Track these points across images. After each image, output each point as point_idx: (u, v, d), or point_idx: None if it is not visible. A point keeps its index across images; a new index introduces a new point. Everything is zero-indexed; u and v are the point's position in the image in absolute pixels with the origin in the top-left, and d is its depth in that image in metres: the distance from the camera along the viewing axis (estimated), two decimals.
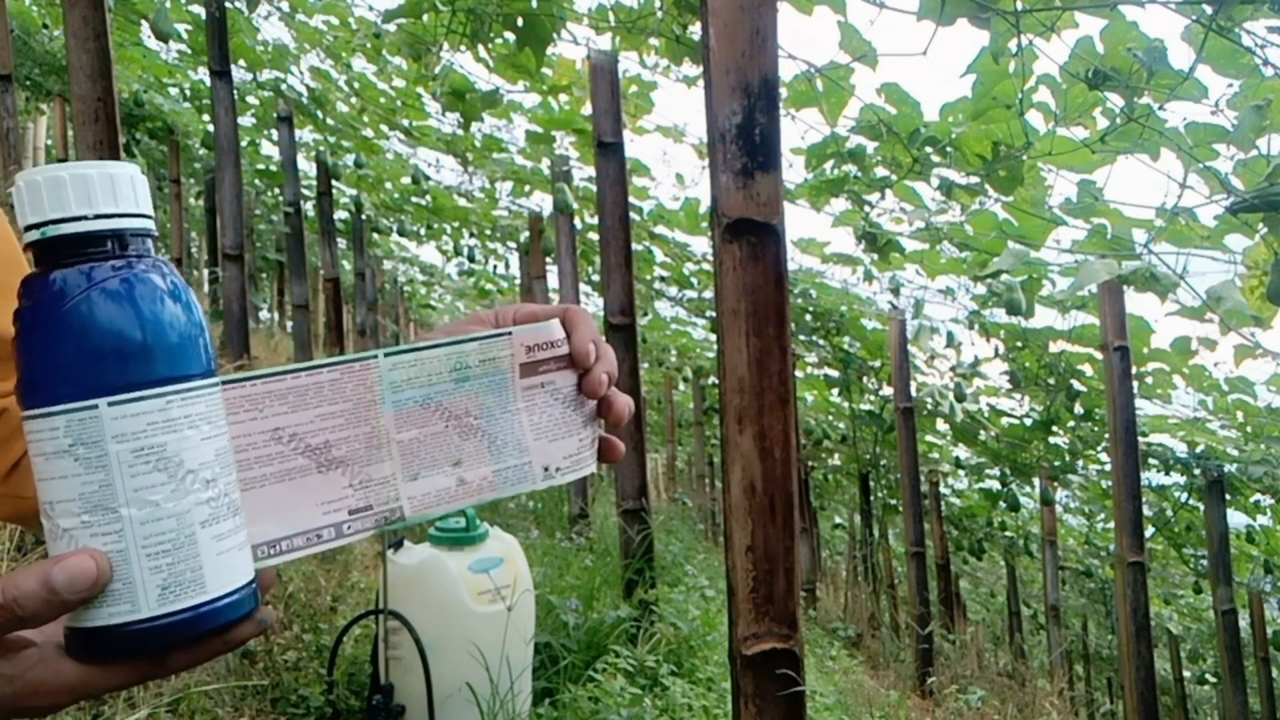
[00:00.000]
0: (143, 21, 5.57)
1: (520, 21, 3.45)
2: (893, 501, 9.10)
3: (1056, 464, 7.35)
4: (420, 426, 0.61)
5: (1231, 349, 4.34)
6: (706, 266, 6.70)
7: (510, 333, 0.64)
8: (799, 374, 8.43)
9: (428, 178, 6.62)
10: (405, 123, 5.79)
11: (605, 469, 5.07)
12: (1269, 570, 7.24)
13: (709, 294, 7.48)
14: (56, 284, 0.48)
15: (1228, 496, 5.63)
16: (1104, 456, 6.84)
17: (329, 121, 6.20)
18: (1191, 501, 6.45)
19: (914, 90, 3.51)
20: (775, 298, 1.57)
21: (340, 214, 7.15)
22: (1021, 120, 3.30)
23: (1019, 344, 5.73)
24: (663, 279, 7.90)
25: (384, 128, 6.12)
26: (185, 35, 5.48)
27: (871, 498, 8.98)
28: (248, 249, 6.27)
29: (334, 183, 6.30)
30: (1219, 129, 2.92)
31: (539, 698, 2.75)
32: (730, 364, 1.58)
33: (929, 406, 7.04)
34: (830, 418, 9.36)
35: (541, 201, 6.66)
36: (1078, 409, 6.11)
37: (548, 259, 6.05)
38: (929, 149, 3.68)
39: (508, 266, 9.62)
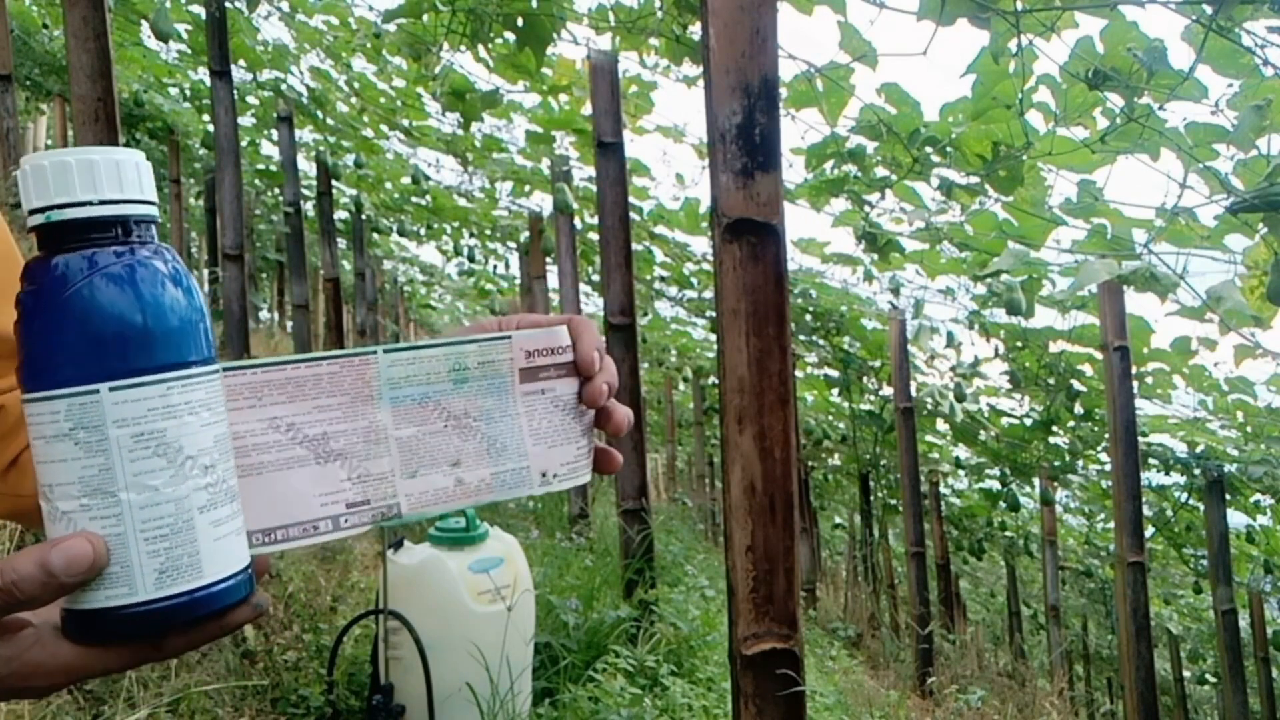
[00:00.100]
0: (143, 21, 5.57)
1: (520, 21, 3.45)
2: (893, 501, 9.10)
3: (1056, 464, 7.35)
4: (418, 424, 0.61)
5: (1231, 349, 4.34)
6: (706, 266, 6.70)
7: (510, 337, 0.64)
8: (799, 374, 8.43)
9: (428, 178, 6.62)
10: (405, 123, 5.79)
11: None
12: (1269, 570, 7.24)
13: (709, 294, 7.48)
14: (59, 269, 0.48)
15: (1228, 496, 5.63)
16: (1104, 456, 6.84)
17: (329, 121, 6.20)
18: (1191, 501, 6.45)
19: (914, 90, 3.51)
20: (775, 298, 1.57)
21: (340, 214, 7.15)
22: (1021, 120, 3.30)
23: (1019, 344, 5.73)
24: (663, 279, 7.90)
25: (384, 128, 6.12)
26: (185, 35, 5.48)
27: (871, 498, 8.98)
28: (248, 249, 6.27)
29: (334, 183, 6.30)
30: (1219, 129, 2.92)
31: (539, 698, 2.75)
32: (730, 364, 1.58)
33: (929, 406, 7.04)
34: (830, 418, 9.36)
35: (541, 201, 6.66)
36: (1078, 409, 6.11)
37: (548, 259, 6.05)
38: (929, 149, 3.68)
39: (508, 266, 9.62)
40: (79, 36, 2.18)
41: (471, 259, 9.24)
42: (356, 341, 9.49)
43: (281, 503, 0.57)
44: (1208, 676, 10.33)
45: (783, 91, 3.54)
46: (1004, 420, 7.34)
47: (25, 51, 6.66)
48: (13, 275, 0.52)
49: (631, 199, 4.35)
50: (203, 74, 6.10)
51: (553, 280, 6.18)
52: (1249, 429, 5.70)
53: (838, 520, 13.49)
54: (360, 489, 0.59)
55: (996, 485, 8.57)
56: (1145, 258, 3.54)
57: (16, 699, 0.51)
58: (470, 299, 13.96)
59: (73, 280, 0.48)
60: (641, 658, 2.86)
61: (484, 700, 2.41)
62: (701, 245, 6.41)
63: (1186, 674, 9.75)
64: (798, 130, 3.92)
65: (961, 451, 8.68)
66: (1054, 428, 6.68)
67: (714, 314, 2.39)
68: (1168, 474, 6.32)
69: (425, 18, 3.72)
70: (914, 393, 5.95)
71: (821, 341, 7.40)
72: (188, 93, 7.21)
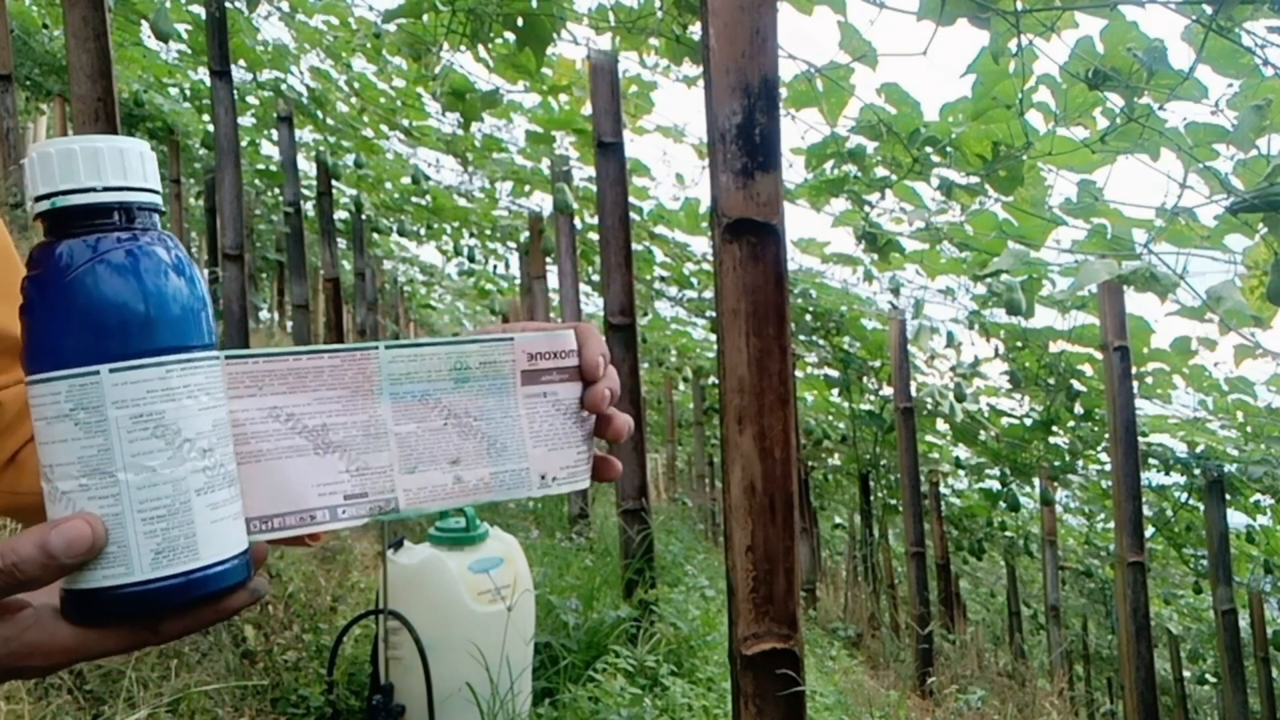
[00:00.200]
0: (143, 21, 5.57)
1: (520, 21, 3.45)
2: (893, 501, 9.10)
3: (1056, 464, 7.35)
4: (418, 421, 0.62)
5: (1231, 349, 4.34)
6: (706, 266, 6.70)
7: (512, 338, 0.64)
8: (799, 374, 8.43)
9: (428, 178, 6.62)
10: (405, 123, 5.79)
11: None
12: (1269, 570, 7.24)
13: (709, 294, 7.48)
14: (63, 253, 0.49)
15: (1228, 496, 5.63)
16: (1104, 456, 6.84)
17: (329, 121, 6.20)
18: (1191, 501, 6.45)
19: (914, 90, 3.51)
20: (775, 298, 1.57)
21: (340, 214, 7.15)
22: (1021, 120, 3.30)
23: (1019, 344, 5.73)
24: (663, 279, 7.90)
25: (384, 128, 6.12)
26: (185, 35, 5.48)
27: (871, 498, 8.98)
28: (248, 249, 6.26)
29: (334, 183, 6.31)
30: (1219, 129, 2.92)
31: (539, 698, 2.75)
32: (730, 364, 1.58)
33: (929, 406, 7.04)
34: (830, 418, 9.36)
35: (541, 201, 6.66)
36: (1078, 409, 6.11)
37: (548, 259, 6.05)
38: (929, 149, 3.68)
39: (508, 266, 9.62)
40: (79, 36, 2.18)
41: (471, 259, 9.24)
42: (357, 340, 9.47)
43: (279, 491, 0.57)
44: (1208, 676, 10.33)
45: (783, 91, 3.54)
46: (1004, 420, 7.34)
47: (25, 51, 6.66)
48: (11, 274, 0.52)
49: (631, 199, 4.35)
50: (203, 74, 6.10)
51: (553, 280, 6.18)
52: (1249, 429, 5.70)
53: (838, 520, 13.49)
54: (358, 481, 0.60)
55: (996, 485, 8.57)
56: (1145, 258, 3.54)
57: (15, 679, 0.52)
58: (470, 299, 13.96)
59: (76, 264, 0.49)
60: (641, 658, 2.86)
61: (484, 700, 2.41)
62: (701, 245, 6.41)
63: (1186, 674, 9.76)
64: (798, 130, 3.93)
65: (961, 451, 8.69)
66: (1054, 428, 6.68)
67: (714, 314, 2.39)
68: (1168, 474, 6.32)
69: (425, 18, 3.72)
70: (914, 393, 5.95)
71: (821, 341, 7.40)
72: (188, 93, 7.21)
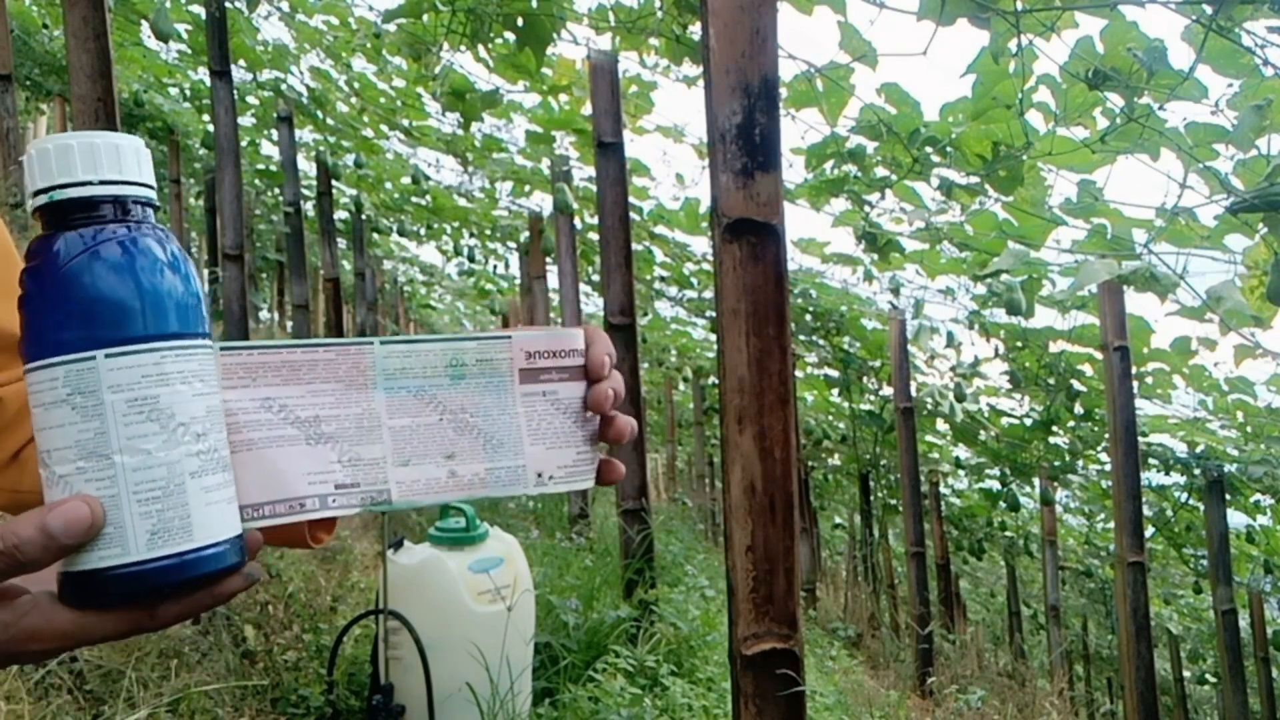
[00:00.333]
0: (143, 21, 5.57)
1: (520, 21, 3.45)
2: (893, 501, 9.10)
3: (1056, 464, 7.35)
4: (413, 416, 0.62)
5: (1231, 349, 4.34)
6: (706, 266, 6.70)
7: (510, 337, 0.65)
8: (799, 374, 8.43)
9: (428, 178, 6.62)
10: (405, 123, 5.79)
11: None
12: (1269, 570, 7.24)
13: (709, 294, 7.48)
14: (59, 244, 0.51)
15: (1228, 496, 5.63)
16: (1104, 456, 6.83)
17: (329, 121, 6.20)
18: (1191, 501, 6.45)
19: (914, 90, 3.51)
20: (775, 298, 1.57)
21: (340, 214, 7.15)
22: (1021, 120, 3.30)
23: (1019, 344, 5.73)
24: (663, 279, 7.89)
25: (384, 128, 6.12)
26: (185, 35, 5.48)
27: (871, 498, 8.98)
28: (248, 249, 6.26)
29: (334, 183, 6.30)
30: (1219, 129, 2.92)
31: (539, 698, 2.75)
32: (730, 364, 1.58)
33: (929, 406, 7.03)
34: (830, 418, 9.36)
35: (541, 201, 6.66)
36: (1078, 409, 6.11)
37: (548, 259, 6.04)
38: (929, 149, 3.68)
39: (508, 266, 9.61)
40: (79, 36, 2.18)
41: (471, 259, 9.24)
42: None
43: (270, 479, 0.58)
44: (1208, 676, 10.33)
45: (783, 91, 3.54)
46: (1004, 420, 7.34)
47: (25, 51, 6.66)
48: (11, 273, 0.53)
49: (631, 199, 4.35)
50: (203, 74, 6.10)
51: (553, 280, 6.17)
52: (1249, 429, 5.70)
53: (838, 520, 13.48)
54: (350, 472, 0.60)
55: (996, 485, 8.57)
56: (1145, 258, 3.54)
57: (13, 664, 0.53)
58: (470, 299, 13.96)
59: (72, 254, 0.50)
60: (641, 658, 2.86)
61: (484, 700, 2.41)
62: (701, 245, 6.41)
63: (1186, 674, 9.75)
64: (798, 130, 3.93)
65: (961, 451, 8.68)
66: (1054, 428, 6.68)
67: (714, 314, 2.39)
68: (1168, 474, 6.31)
69: (425, 18, 3.72)
70: (914, 393, 5.95)
71: (821, 341, 7.40)
72: (188, 93, 7.20)
